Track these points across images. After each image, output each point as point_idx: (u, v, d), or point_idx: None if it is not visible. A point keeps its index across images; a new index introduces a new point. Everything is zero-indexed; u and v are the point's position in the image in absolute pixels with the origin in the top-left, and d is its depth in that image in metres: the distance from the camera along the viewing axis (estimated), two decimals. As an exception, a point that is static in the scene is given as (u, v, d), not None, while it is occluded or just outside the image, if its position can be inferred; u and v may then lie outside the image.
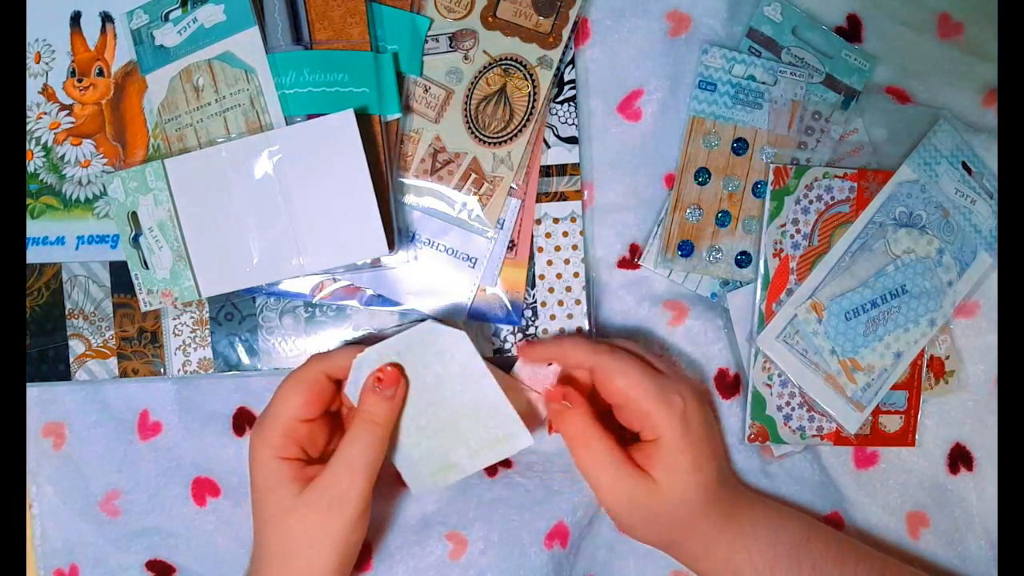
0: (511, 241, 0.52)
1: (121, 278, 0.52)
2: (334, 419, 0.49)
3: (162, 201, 0.49)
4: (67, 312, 0.53)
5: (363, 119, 0.49)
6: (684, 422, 0.44)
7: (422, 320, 0.46)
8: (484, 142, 0.51)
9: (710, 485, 0.45)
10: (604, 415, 0.47)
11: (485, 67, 0.51)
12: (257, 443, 0.45)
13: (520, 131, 0.51)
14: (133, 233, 0.50)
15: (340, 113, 0.46)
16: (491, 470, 0.54)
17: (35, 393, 0.54)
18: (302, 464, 0.45)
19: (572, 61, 0.52)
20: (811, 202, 0.51)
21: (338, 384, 0.47)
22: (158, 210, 0.49)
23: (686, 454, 0.44)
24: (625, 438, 0.47)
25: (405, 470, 0.47)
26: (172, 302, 0.50)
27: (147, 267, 0.50)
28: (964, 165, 0.51)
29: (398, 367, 0.45)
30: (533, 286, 0.52)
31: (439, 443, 0.46)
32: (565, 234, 0.53)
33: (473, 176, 0.52)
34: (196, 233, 0.49)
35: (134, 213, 0.49)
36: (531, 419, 0.48)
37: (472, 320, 0.52)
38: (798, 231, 0.51)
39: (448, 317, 0.49)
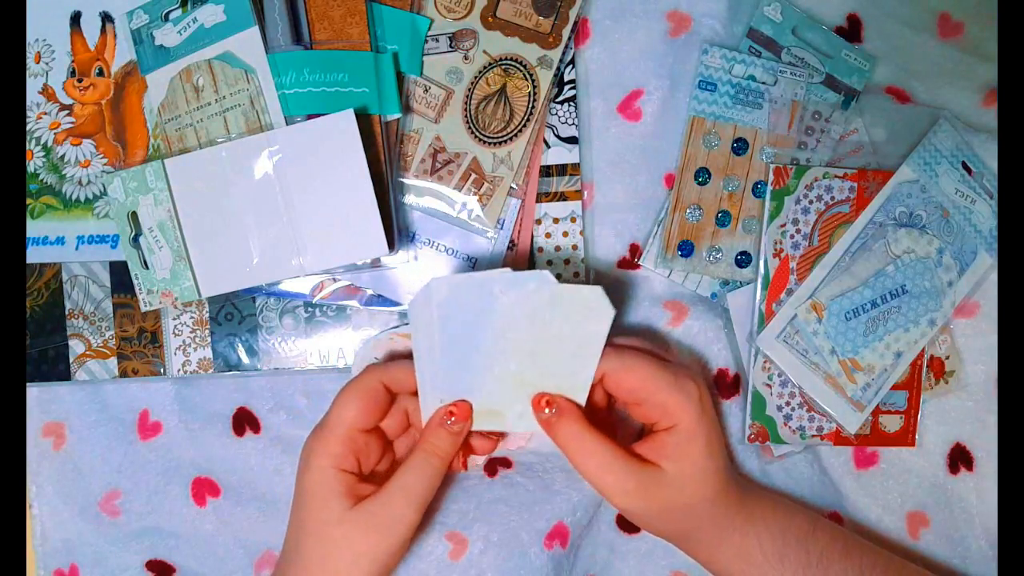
0: (511, 241, 0.52)
1: (121, 278, 0.52)
2: (386, 438, 0.48)
3: (162, 201, 0.49)
4: (67, 312, 0.53)
5: (363, 119, 0.49)
6: (700, 407, 0.45)
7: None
8: (484, 142, 0.51)
9: (720, 472, 0.45)
10: (594, 412, 0.46)
11: (485, 67, 0.51)
12: (317, 450, 0.44)
13: (520, 131, 0.51)
14: (133, 233, 0.50)
15: (340, 113, 0.46)
16: (491, 470, 0.54)
17: (35, 393, 0.54)
18: (356, 479, 0.44)
19: (572, 61, 0.52)
20: (811, 202, 0.51)
21: (394, 397, 0.46)
22: (158, 210, 0.49)
23: (700, 440, 0.44)
24: (627, 436, 0.47)
25: (463, 395, 0.45)
26: (172, 302, 0.50)
27: (147, 267, 0.50)
28: (964, 165, 0.51)
29: (468, 404, 0.44)
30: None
31: (511, 390, 0.44)
32: (565, 234, 0.53)
33: (473, 176, 0.52)
34: (196, 233, 0.49)
35: (134, 213, 0.49)
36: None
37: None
38: (798, 231, 0.51)
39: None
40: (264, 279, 0.49)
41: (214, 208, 0.48)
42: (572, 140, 0.52)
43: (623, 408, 0.48)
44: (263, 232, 0.48)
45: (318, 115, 0.47)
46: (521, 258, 0.52)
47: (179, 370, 0.52)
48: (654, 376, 0.44)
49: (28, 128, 0.52)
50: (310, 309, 0.52)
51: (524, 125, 0.51)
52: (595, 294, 0.41)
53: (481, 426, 0.45)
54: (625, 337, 0.49)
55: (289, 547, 0.45)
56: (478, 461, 0.53)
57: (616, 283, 0.54)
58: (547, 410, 0.44)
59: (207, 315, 0.52)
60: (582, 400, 0.44)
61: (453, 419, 0.44)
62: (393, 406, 0.46)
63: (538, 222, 0.53)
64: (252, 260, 0.48)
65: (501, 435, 0.50)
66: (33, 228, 0.52)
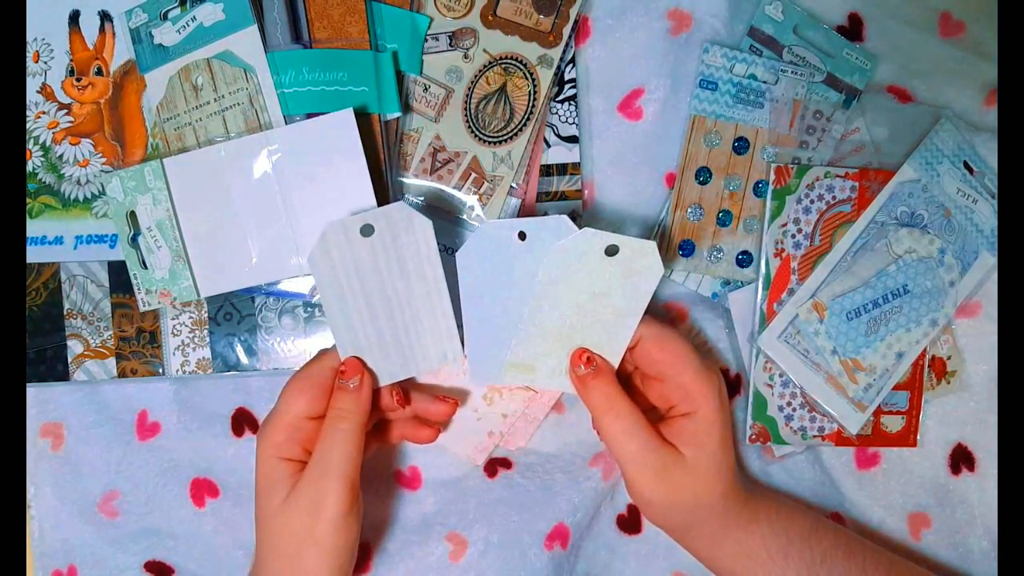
0: (511, 241, 0.52)
1: (120, 278, 0.52)
2: None
3: (161, 201, 0.49)
4: (65, 312, 0.52)
5: (363, 118, 0.48)
6: (721, 398, 0.45)
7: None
8: (484, 141, 0.51)
9: (731, 466, 0.45)
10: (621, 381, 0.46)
11: (485, 66, 0.51)
12: (261, 441, 0.44)
13: (520, 130, 0.51)
14: (131, 233, 0.49)
15: (339, 112, 0.46)
16: (491, 471, 0.54)
17: (33, 393, 0.54)
18: (301, 465, 0.44)
19: (573, 60, 0.52)
20: (812, 201, 0.51)
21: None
22: (157, 210, 0.49)
23: (717, 431, 0.44)
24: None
25: (479, 346, 0.44)
26: (171, 302, 0.50)
27: (145, 267, 0.50)
28: (966, 164, 0.51)
29: (357, 360, 0.44)
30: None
31: (547, 343, 0.43)
32: (565, 234, 0.52)
33: (473, 175, 0.51)
34: (195, 233, 0.49)
35: (132, 213, 0.49)
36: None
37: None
38: (799, 231, 0.51)
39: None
40: (263, 279, 0.49)
41: (213, 208, 0.48)
42: (572, 139, 0.52)
43: (641, 385, 0.48)
44: (262, 232, 0.48)
45: (318, 114, 0.47)
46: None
47: (178, 370, 0.52)
48: (686, 355, 0.44)
49: (27, 127, 0.52)
50: (309, 309, 0.52)
51: (524, 124, 0.51)
52: (648, 249, 0.40)
53: (511, 381, 0.44)
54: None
55: (255, 541, 0.46)
56: (478, 461, 0.53)
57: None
58: (583, 367, 0.43)
59: (206, 315, 0.52)
60: (616, 361, 0.44)
61: (344, 376, 0.44)
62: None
63: (538, 222, 0.52)
64: (251, 260, 0.48)
65: (455, 401, 0.48)
66: (32, 228, 0.52)
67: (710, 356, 0.53)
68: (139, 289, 0.50)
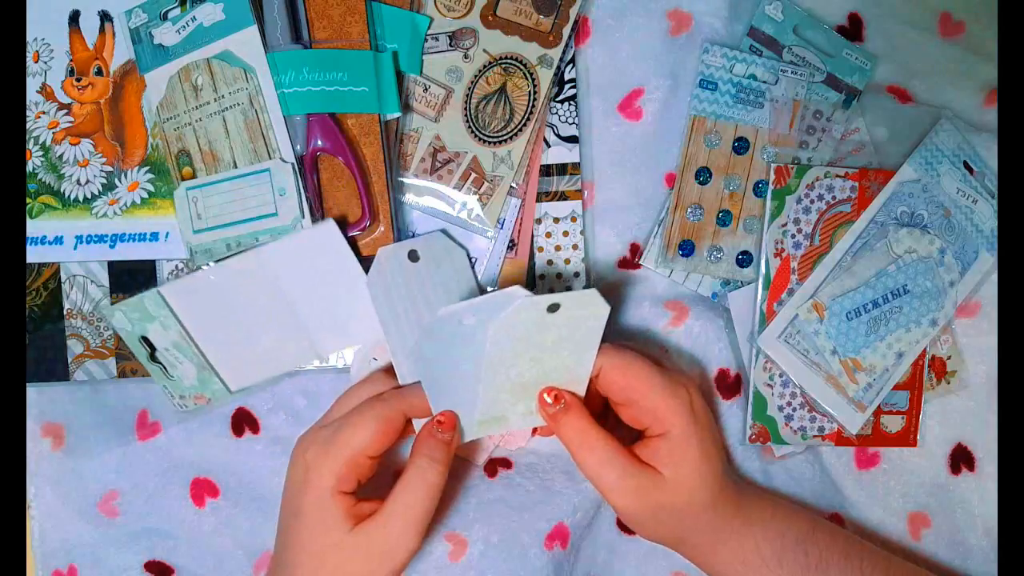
0: (511, 241, 0.52)
1: (119, 278, 0.52)
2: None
3: (170, 326, 0.50)
4: (65, 312, 0.52)
5: (363, 118, 0.49)
6: (692, 414, 0.44)
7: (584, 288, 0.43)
8: (484, 141, 0.51)
9: (718, 476, 0.45)
10: (596, 417, 0.46)
11: (485, 66, 0.51)
12: (317, 468, 0.43)
13: (520, 130, 0.51)
14: (149, 352, 0.51)
15: (322, 224, 0.47)
16: (491, 471, 0.54)
17: (33, 393, 0.54)
18: (354, 499, 0.44)
19: (572, 60, 0.52)
20: (812, 202, 0.51)
21: (409, 424, 0.46)
22: (169, 333, 0.50)
23: (695, 446, 0.44)
24: (623, 440, 0.47)
25: (459, 410, 0.45)
26: (207, 402, 0.52)
27: (171, 377, 0.51)
28: (966, 164, 0.51)
29: (453, 413, 0.44)
30: (533, 286, 0.52)
31: (511, 395, 0.44)
32: (565, 234, 0.52)
33: (473, 175, 0.51)
34: (213, 345, 0.50)
35: (144, 336, 0.50)
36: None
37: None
38: (799, 231, 0.51)
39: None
40: (286, 367, 0.51)
41: (224, 322, 0.50)
42: (572, 139, 0.52)
43: (615, 411, 0.48)
44: (277, 332, 0.50)
45: (317, 114, 0.47)
46: (521, 258, 0.52)
47: (178, 370, 0.52)
48: (648, 377, 0.44)
49: (27, 127, 0.52)
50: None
51: (524, 124, 0.51)
52: (589, 297, 0.41)
53: (486, 433, 0.45)
54: (618, 342, 0.49)
55: (286, 562, 0.44)
56: (479, 461, 0.53)
57: (616, 283, 0.53)
58: (552, 405, 0.43)
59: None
60: (581, 392, 0.44)
61: (442, 427, 0.43)
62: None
63: (538, 221, 0.52)
64: (272, 354, 0.50)
65: None
66: (31, 228, 0.52)
67: (698, 359, 0.52)
68: (172, 396, 0.52)
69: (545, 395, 0.44)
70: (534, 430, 0.52)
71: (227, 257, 0.49)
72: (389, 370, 0.48)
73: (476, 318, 0.40)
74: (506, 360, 0.42)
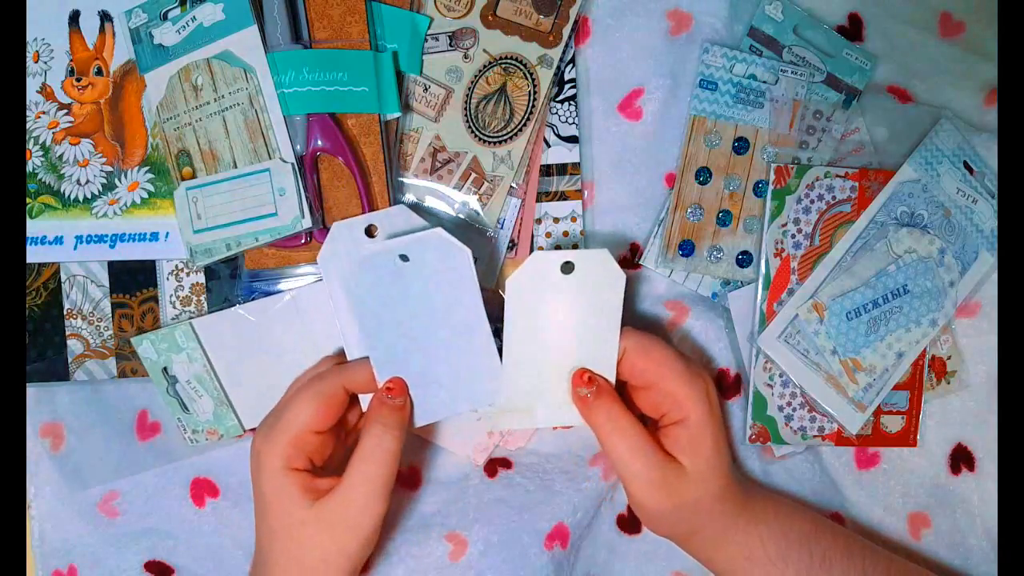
0: (511, 240, 0.52)
1: (119, 278, 0.52)
2: (340, 427, 0.47)
3: (196, 359, 0.50)
4: (65, 312, 0.52)
5: (363, 118, 0.49)
6: (709, 402, 0.45)
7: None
8: (484, 141, 0.51)
9: (727, 470, 0.45)
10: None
11: (485, 66, 0.51)
12: (265, 451, 0.43)
13: (520, 130, 0.51)
14: (168, 385, 0.51)
15: (311, 285, 0.49)
16: (491, 470, 0.53)
17: (33, 393, 0.54)
18: (310, 475, 0.44)
19: (572, 60, 0.52)
20: (812, 202, 0.51)
21: (353, 397, 0.46)
22: (193, 366, 0.50)
23: (710, 435, 0.44)
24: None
25: (406, 374, 0.45)
26: (219, 438, 0.52)
27: (187, 411, 0.51)
28: (966, 164, 0.51)
29: (401, 378, 0.44)
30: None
31: (532, 380, 0.43)
32: (565, 234, 0.52)
33: (473, 175, 0.51)
34: (236, 382, 0.51)
35: (165, 368, 0.51)
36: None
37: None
38: (799, 231, 0.51)
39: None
40: None
41: (250, 360, 0.50)
42: (572, 139, 0.52)
43: (631, 398, 0.48)
44: (302, 368, 0.50)
45: (317, 114, 0.47)
46: (521, 258, 0.52)
47: (178, 370, 0.52)
48: (671, 361, 0.44)
49: (27, 127, 0.52)
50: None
51: (524, 124, 0.51)
52: (602, 257, 0.40)
53: (508, 425, 0.44)
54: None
55: (260, 549, 0.45)
56: (479, 461, 0.53)
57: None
58: (586, 386, 0.43)
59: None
60: (612, 377, 0.44)
61: (392, 393, 0.43)
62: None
63: (538, 221, 0.52)
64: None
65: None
66: (31, 228, 0.52)
67: (699, 359, 0.52)
68: (185, 429, 0.52)
69: (580, 377, 0.43)
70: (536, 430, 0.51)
71: (263, 296, 0.50)
72: (341, 355, 0.48)
73: (411, 257, 0.40)
74: (520, 331, 0.41)
